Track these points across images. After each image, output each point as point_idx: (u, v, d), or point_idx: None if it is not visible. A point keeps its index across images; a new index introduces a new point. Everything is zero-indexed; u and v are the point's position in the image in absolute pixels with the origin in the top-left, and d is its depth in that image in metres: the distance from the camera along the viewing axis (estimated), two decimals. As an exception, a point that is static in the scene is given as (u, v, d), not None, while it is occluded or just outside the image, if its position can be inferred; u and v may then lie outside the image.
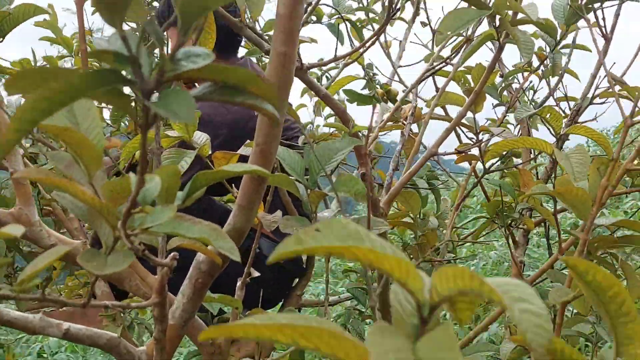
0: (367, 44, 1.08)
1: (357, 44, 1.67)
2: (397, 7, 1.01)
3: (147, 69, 0.41)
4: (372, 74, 1.59)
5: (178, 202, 0.53)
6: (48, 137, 1.13)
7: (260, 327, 0.36)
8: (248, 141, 1.07)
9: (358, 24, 1.80)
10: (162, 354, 0.81)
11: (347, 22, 1.47)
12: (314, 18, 1.49)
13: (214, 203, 1.77)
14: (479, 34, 1.34)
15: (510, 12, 1.15)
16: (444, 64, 1.32)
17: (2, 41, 1.28)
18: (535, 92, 1.63)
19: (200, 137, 1.10)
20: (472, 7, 1.06)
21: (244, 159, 1.06)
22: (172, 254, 0.70)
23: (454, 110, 1.67)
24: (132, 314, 1.76)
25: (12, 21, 1.23)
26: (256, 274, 1.12)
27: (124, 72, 0.40)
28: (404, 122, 1.35)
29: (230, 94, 0.42)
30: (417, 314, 0.40)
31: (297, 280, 1.79)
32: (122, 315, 1.56)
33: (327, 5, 1.51)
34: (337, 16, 1.57)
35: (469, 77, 1.46)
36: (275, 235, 1.66)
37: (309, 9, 1.07)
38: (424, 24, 1.64)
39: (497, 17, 1.11)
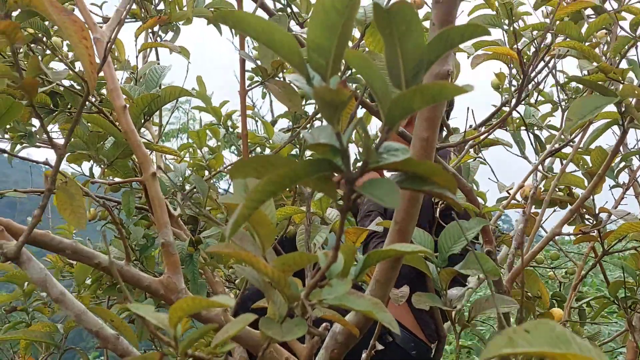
0: (492, 129, 1.13)
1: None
2: (527, 94, 1.05)
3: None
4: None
5: (351, 277, 0.59)
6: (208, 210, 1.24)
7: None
8: (379, 218, 1.12)
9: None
10: (304, 421, 0.85)
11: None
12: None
13: None
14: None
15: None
16: (565, 145, 1.35)
17: (149, 119, 1.41)
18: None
19: (330, 214, 1.17)
20: (599, 94, 1.09)
21: (375, 234, 1.11)
22: (323, 324, 0.75)
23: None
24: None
25: (159, 101, 1.36)
26: (380, 347, 1.15)
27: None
28: (525, 201, 1.38)
29: (419, 183, 0.48)
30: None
31: None
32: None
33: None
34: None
35: (586, 157, 1.47)
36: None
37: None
38: (554, 104, 1.67)
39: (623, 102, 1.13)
